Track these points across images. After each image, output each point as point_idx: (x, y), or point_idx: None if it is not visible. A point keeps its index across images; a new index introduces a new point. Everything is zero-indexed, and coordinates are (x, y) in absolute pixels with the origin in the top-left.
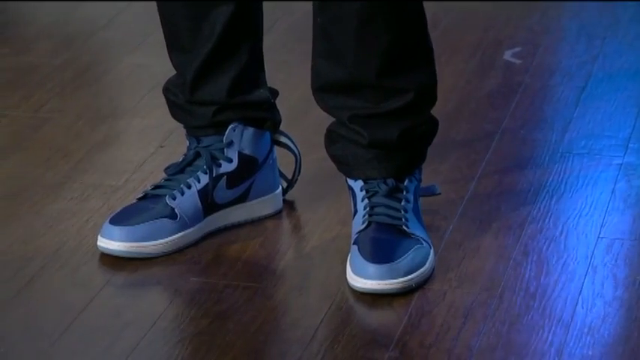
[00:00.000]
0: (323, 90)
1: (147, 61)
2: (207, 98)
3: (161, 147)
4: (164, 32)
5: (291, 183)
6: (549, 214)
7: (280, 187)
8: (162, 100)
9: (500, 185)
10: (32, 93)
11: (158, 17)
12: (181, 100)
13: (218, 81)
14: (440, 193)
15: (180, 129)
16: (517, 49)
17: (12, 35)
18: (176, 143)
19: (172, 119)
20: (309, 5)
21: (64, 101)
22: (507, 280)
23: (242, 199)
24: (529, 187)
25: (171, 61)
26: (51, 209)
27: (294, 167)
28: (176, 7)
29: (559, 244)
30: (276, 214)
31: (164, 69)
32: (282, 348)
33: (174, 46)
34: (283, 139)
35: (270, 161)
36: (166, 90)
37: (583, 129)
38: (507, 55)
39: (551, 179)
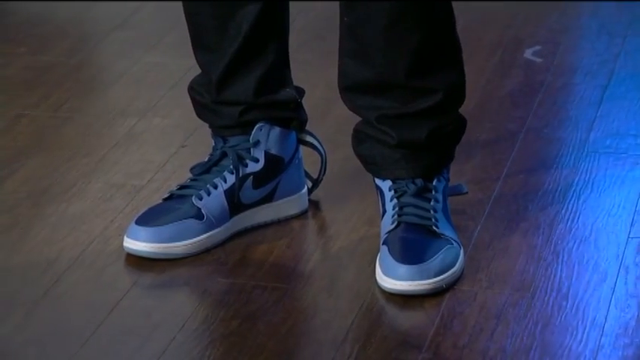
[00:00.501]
0: (350, 90)
1: (164, 60)
2: (233, 98)
3: (183, 147)
4: (189, 31)
5: (316, 183)
6: (577, 213)
7: (306, 187)
8: (182, 99)
9: (527, 185)
10: (51, 92)
11: (173, 16)
12: (207, 99)
13: (244, 81)
14: (467, 192)
15: (201, 128)
16: (537, 48)
17: (28, 35)
18: (198, 143)
19: (193, 118)
20: (326, 4)
21: (83, 101)
22: (538, 281)
23: (268, 199)
24: (556, 187)
25: (197, 59)
26: (75, 209)
27: (319, 167)
28: (202, 5)
29: (589, 244)
30: (302, 214)
31: (182, 68)
32: (313, 349)
33: (200, 44)
34: (309, 139)
35: (296, 161)
36: (192, 89)
37: (608, 128)
38: (528, 54)
39: (577, 179)
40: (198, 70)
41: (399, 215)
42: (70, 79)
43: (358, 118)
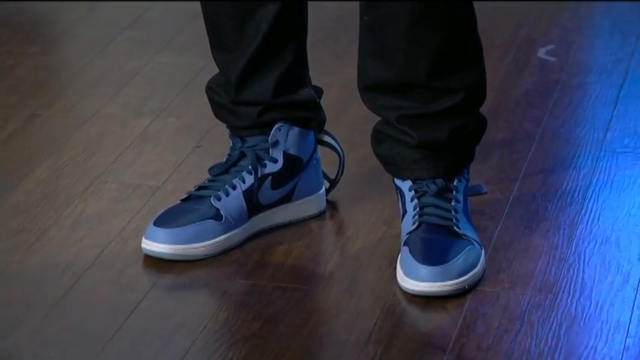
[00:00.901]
0: (370, 90)
1: (176, 60)
2: (252, 98)
3: (197, 147)
4: (207, 30)
5: (334, 183)
6: (598, 214)
7: (324, 188)
8: (196, 99)
9: (545, 185)
10: (63, 93)
11: (183, 16)
12: (226, 100)
13: (263, 81)
14: (486, 192)
15: (215, 129)
16: (551, 47)
17: (38, 35)
18: (213, 143)
19: (207, 119)
20: (335, 4)
21: (95, 101)
22: (561, 282)
23: (286, 199)
24: (574, 187)
25: (215, 59)
26: (91, 210)
27: (337, 167)
28: (221, 5)
29: (611, 245)
30: (320, 215)
31: (194, 68)
32: (336, 351)
33: (218, 44)
34: (327, 139)
35: (314, 161)
36: (210, 89)
37: (625, 127)
38: (541, 53)
39: (596, 179)
40: (210, 70)
41: (420, 216)
42: (81, 80)
43: (373, 118)
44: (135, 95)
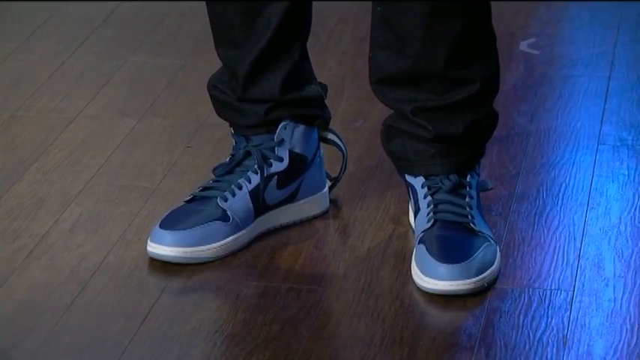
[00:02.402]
0: (383, 82)
1: (152, 59)
2: (259, 95)
3: (188, 147)
4: (212, 26)
5: (336, 181)
6: (605, 207)
7: (327, 186)
8: (179, 98)
9: (548, 180)
10: (41, 93)
11: (154, 14)
12: (232, 98)
13: (270, 77)
14: (492, 188)
15: (203, 128)
16: (532, 40)
17: (8, 35)
18: (202, 142)
19: (193, 118)
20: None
21: (77, 101)
22: (579, 278)
23: (291, 199)
24: (577, 181)
25: (219, 56)
26: (88, 213)
27: (340, 164)
28: (229, 1)
29: (623, 238)
30: (323, 214)
31: (173, 67)
32: (363, 353)
33: (225, 40)
34: (331, 136)
35: (318, 159)
36: (213, 87)
37: (620, 120)
38: (524, 47)
39: (597, 172)
40: (189, 69)
41: (435, 213)
42: (59, 80)
43: (364, 115)
44: (116, 95)
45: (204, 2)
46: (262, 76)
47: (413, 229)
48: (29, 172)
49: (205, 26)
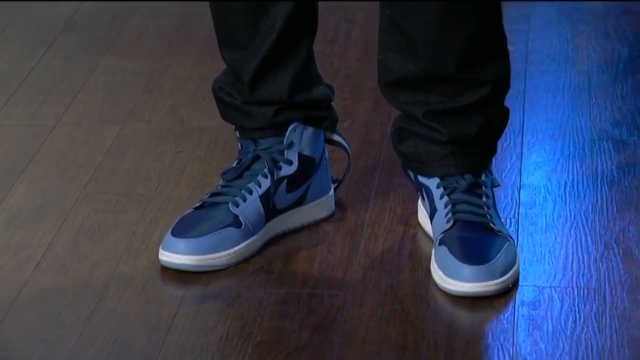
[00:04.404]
0: (393, 85)
1: (123, 63)
2: (267, 97)
3: (178, 152)
4: (216, 28)
5: (340, 183)
6: (611, 201)
7: (332, 189)
8: (160, 103)
9: (548, 176)
10: (17, 101)
11: (116, 16)
12: (239, 100)
13: (278, 79)
14: (499, 185)
15: (191, 132)
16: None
17: None
18: (192, 147)
19: (177, 122)
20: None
21: (54, 108)
22: (602, 275)
23: (299, 202)
24: (579, 177)
25: (224, 58)
26: (89, 223)
27: (346, 166)
28: (234, 2)
29: (637, 233)
30: (330, 217)
31: (147, 70)
32: (399, 358)
33: (229, 42)
34: (337, 138)
35: (324, 162)
36: (219, 90)
37: (609, 115)
38: None
39: (597, 167)
40: (163, 73)
41: (454, 213)
42: (31, 87)
43: (356, 116)
44: (93, 101)
45: (166, 3)
46: (269, 77)
47: (424, 230)
48: (19, 182)
49: (172, 28)
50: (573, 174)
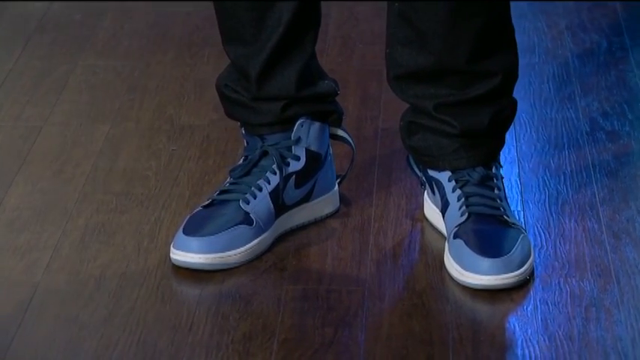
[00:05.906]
0: (402, 79)
1: (103, 62)
2: (274, 93)
3: (173, 150)
4: (221, 24)
5: (343, 178)
6: (613, 192)
7: (337, 184)
8: (146, 102)
9: (547, 167)
10: (0, 102)
11: (89, 15)
12: (245, 97)
13: (285, 74)
14: (503, 177)
15: (182, 130)
16: None
17: None
18: (185, 145)
19: (166, 121)
20: None
21: (39, 108)
22: (614, 265)
23: (306, 198)
24: (577, 167)
25: (228, 54)
26: (93, 223)
27: (350, 161)
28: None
29: None
30: (335, 213)
31: (127, 69)
32: (427, 351)
33: (235, 38)
34: (341, 133)
35: (329, 157)
36: (225, 87)
37: (599, 106)
38: None
39: (594, 158)
40: (144, 72)
41: (467, 206)
42: (13, 88)
43: (345, 112)
44: (77, 101)
45: (137, 2)
46: (276, 72)
47: (431, 224)
48: (15, 184)
49: (146, 26)
50: (569, 164)
